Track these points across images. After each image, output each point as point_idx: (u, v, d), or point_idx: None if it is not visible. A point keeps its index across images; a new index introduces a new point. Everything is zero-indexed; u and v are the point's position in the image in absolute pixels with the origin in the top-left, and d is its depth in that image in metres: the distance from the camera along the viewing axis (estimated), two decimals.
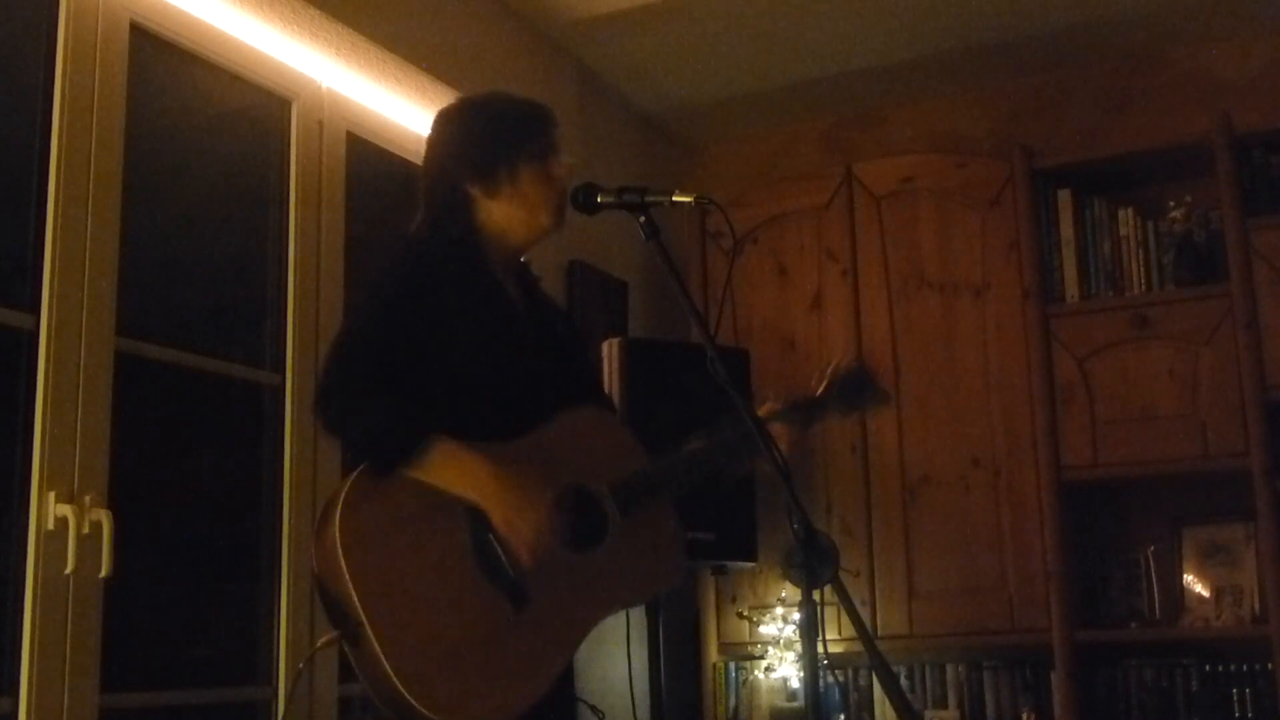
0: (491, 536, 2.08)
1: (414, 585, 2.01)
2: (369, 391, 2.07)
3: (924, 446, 4.21)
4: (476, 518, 2.08)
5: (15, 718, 2.43)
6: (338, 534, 1.98)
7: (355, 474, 2.04)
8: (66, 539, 2.52)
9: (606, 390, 3.72)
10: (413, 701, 1.93)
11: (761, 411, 2.38)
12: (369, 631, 1.94)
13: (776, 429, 2.37)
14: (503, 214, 2.31)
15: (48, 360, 2.56)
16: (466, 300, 2.22)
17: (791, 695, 4.13)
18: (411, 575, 2.02)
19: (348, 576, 1.96)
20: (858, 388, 2.46)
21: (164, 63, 3.04)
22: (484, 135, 2.32)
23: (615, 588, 2.22)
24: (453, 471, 2.07)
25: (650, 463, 2.30)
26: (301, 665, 2.02)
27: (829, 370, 2.44)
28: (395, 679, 1.93)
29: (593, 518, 2.21)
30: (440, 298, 2.19)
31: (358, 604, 1.95)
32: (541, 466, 2.15)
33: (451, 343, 2.18)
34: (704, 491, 2.42)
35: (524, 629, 2.07)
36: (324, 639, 2.06)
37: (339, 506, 2.00)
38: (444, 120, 2.39)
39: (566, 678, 2.30)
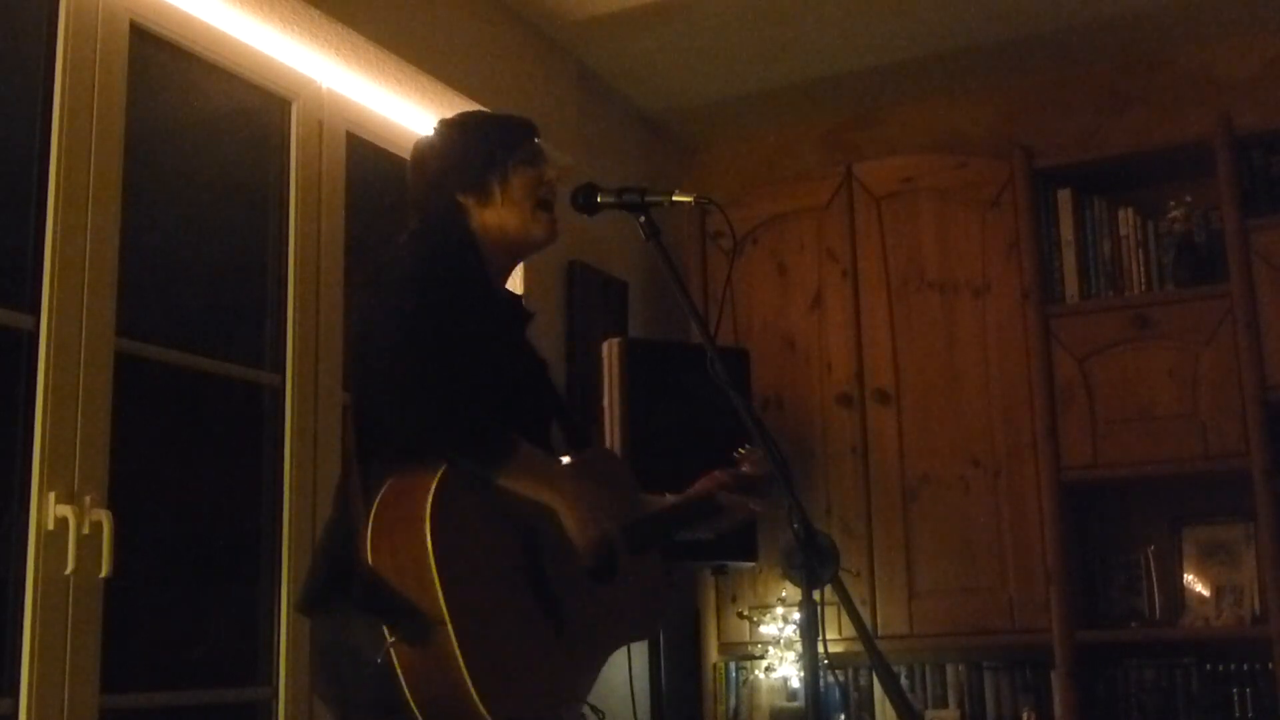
0: (542, 556, 2.07)
1: (484, 591, 1.97)
2: (465, 398, 2.00)
3: (924, 447, 4.21)
4: (530, 536, 2.07)
5: (15, 718, 2.44)
6: (428, 526, 1.90)
7: (444, 470, 1.96)
8: (67, 539, 2.52)
9: (605, 392, 3.75)
10: (480, 706, 1.88)
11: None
12: (450, 631, 1.88)
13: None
14: (497, 222, 2.30)
15: (48, 361, 2.57)
16: (474, 301, 2.22)
17: (792, 695, 4.13)
18: (483, 580, 1.98)
19: (435, 570, 1.89)
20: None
21: (164, 63, 3.04)
22: (473, 145, 2.32)
23: (622, 624, 2.26)
24: (539, 473, 2.08)
25: (659, 511, 2.35)
26: (380, 660, 1.93)
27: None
28: (469, 682, 1.87)
29: (605, 553, 2.23)
30: (461, 291, 2.18)
31: (441, 601, 1.88)
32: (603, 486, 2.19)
33: (475, 342, 2.15)
34: (704, 540, 2.48)
35: (563, 650, 2.08)
36: (389, 642, 1.92)
37: (430, 499, 1.92)
38: (434, 137, 2.39)
39: None
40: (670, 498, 2.43)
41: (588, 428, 2.65)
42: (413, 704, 1.91)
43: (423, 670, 1.90)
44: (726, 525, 2.50)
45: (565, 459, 2.31)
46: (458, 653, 1.87)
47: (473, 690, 1.87)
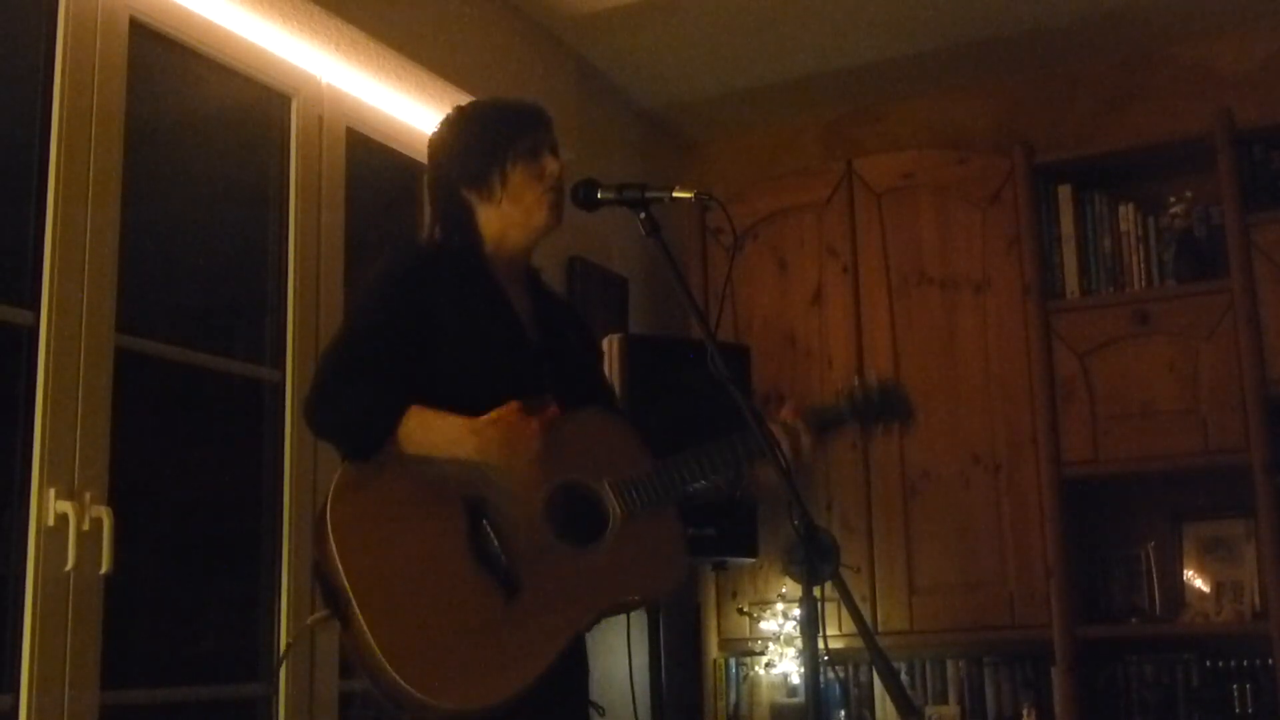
0: (486, 524, 2.09)
1: (404, 568, 2.04)
2: (346, 383, 2.12)
3: (924, 443, 4.21)
4: (473, 505, 2.10)
5: (16, 714, 2.44)
6: (328, 515, 2.02)
7: (344, 465, 2.09)
8: (67, 536, 2.52)
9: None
10: (397, 677, 1.96)
11: (783, 414, 2.36)
12: (356, 609, 1.98)
13: (799, 432, 2.34)
14: (500, 217, 2.32)
15: (48, 357, 2.56)
16: (461, 302, 2.22)
17: (792, 691, 4.13)
18: (402, 558, 2.05)
19: (336, 556, 2.00)
20: (885, 403, 2.41)
21: (164, 59, 3.03)
22: (474, 141, 2.33)
23: (612, 586, 2.20)
24: (433, 434, 2.09)
25: (657, 466, 2.28)
26: (291, 641, 2.07)
27: (856, 384, 2.41)
28: (381, 655, 1.96)
29: (593, 515, 2.21)
30: (432, 298, 2.20)
31: (345, 582, 1.99)
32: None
33: (446, 343, 2.19)
34: (713, 507, 2.41)
35: (515, 619, 2.08)
36: (315, 615, 2.12)
37: (330, 490, 2.05)
38: (442, 129, 2.41)
39: (580, 679, 2.30)
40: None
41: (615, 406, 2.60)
42: (366, 678, 2.03)
43: (354, 648, 2.02)
44: (741, 477, 2.37)
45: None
46: (366, 629, 1.97)
47: (385, 662, 1.96)
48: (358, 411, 2.11)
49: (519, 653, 2.07)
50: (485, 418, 2.09)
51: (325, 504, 2.04)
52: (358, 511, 2.05)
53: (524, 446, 2.11)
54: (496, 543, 2.09)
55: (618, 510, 2.21)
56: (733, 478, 2.33)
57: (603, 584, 2.19)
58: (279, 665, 2.16)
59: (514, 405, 2.12)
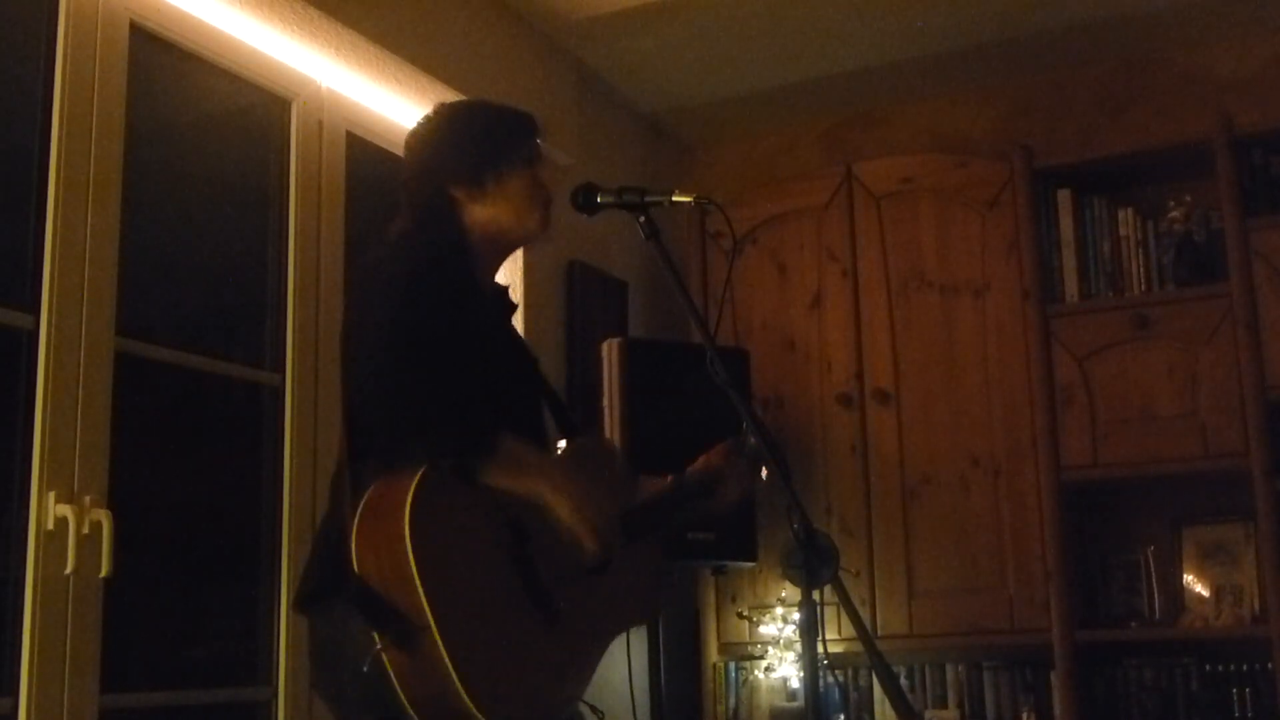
0: (531, 549, 2.06)
1: (471, 591, 1.96)
2: (437, 393, 2.00)
3: (924, 447, 4.21)
4: (518, 530, 2.06)
5: (15, 717, 2.44)
6: (407, 531, 1.89)
7: (422, 472, 1.95)
8: (66, 539, 2.52)
9: (605, 392, 3.74)
10: (470, 705, 1.87)
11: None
12: (436, 635, 1.87)
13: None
14: (487, 218, 2.30)
15: (48, 360, 2.57)
16: (460, 302, 2.22)
17: (791, 695, 4.13)
18: (469, 580, 1.97)
19: (416, 576, 1.88)
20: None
21: (164, 62, 3.04)
22: (472, 139, 2.31)
23: (620, 612, 2.24)
24: (524, 467, 2.05)
25: (646, 495, 2.31)
26: (367, 667, 1.93)
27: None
28: (459, 685, 1.86)
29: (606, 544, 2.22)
30: (448, 294, 2.17)
31: (425, 605, 1.87)
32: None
33: (462, 342, 2.16)
34: (702, 520, 2.45)
35: (555, 643, 2.07)
36: (379, 645, 1.92)
37: (408, 503, 1.91)
38: (427, 125, 2.37)
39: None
40: (670, 479, 2.39)
41: (578, 416, 2.64)
42: (407, 704, 1.90)
43: (413, 673, 1.90)
44: (727, 499, 2.42)
45: (562, 444, 2.30)
46: (445, 657, 1.86)
47: (463, 693, 1.86)
48: (462, 425, 2.00)
49: (561, 675, 2.08)
50: (575, 478, 2.09)
51: (399, 515, 1.91)
52: (433, 527, 1.92)
53: (591, 515, 2.09)
54: (541, 568, 2.06)
55: (619, 541, 2.21)
56: (704, 502, 2.39)
57: (613, 609, 2.22)
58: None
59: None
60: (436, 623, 1.86)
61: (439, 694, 1.88)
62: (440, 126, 2.36)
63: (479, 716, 1.88)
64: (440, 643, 1.86)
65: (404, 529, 1.89)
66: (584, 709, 2.28)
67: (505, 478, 2.03)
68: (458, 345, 2.11)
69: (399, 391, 1.99)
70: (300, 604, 2.19)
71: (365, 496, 1.97)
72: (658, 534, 2.35)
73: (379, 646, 1.89)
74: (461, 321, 2.16)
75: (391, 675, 1.89)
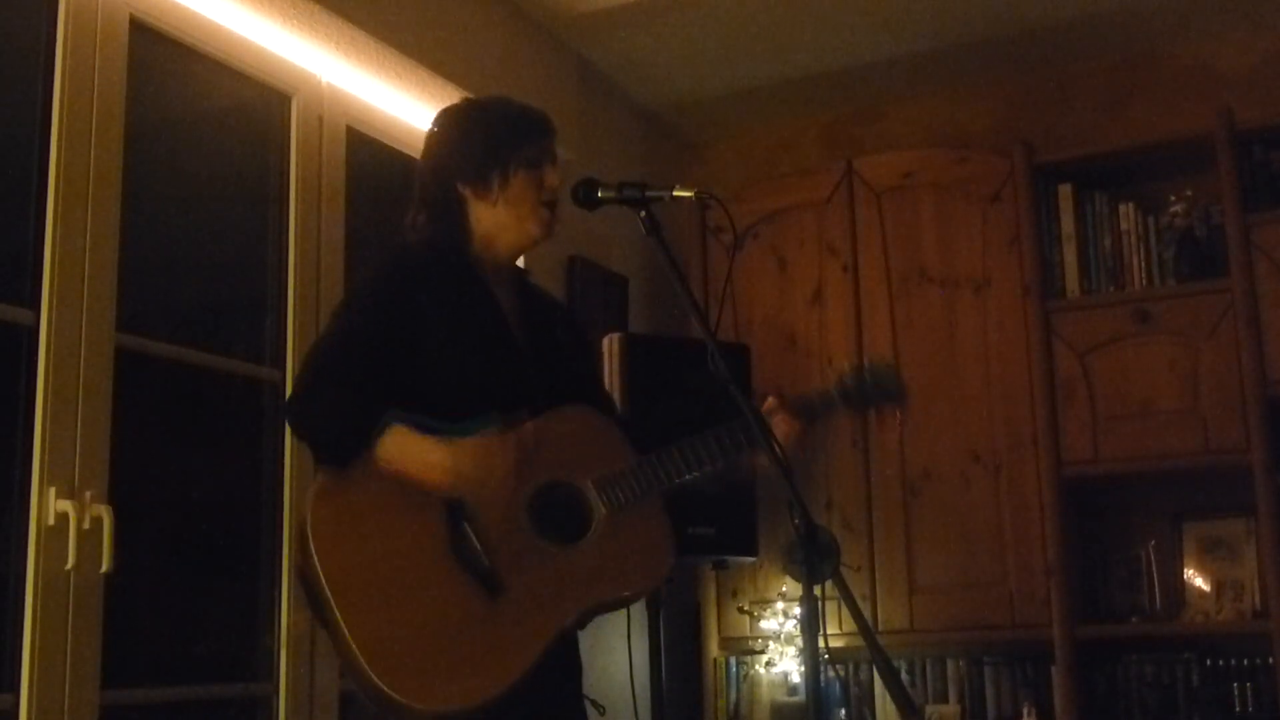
0: (466, 525, 2.09)
1: (384, 570, 2.05)
2: (327, 387, 2.13)
3: (925, 442, 4.21)
4: (453, 508, 2.10)
5: (16, 713, 2.44)
6: (309, 519, 2.03)
7: (323, 474, 2.10)
8: (67, 535, 2.52)
9: (608, 388, 3.73)
10: (378, 681, 1.96)
11: (765, 406, 2.36)
12: (337, 614, 1.99)
13: (780, 422, 2.34)
14: (492, 217, 2.31)
15: (48, 356, 2.57)
16: (448, 303, 2.22)
17: (792, 690, 4.13)
18: (382, 561, 2.05)
19: (316, 560, 2.01)
20: (875, 384, 2.41)
21: (164, 58, 3.03)
22: (480, 137, 2.32)
23: (598, 583, 2.19)
24: (409, 456, 2.08)
25: (640, 461, 2.27)
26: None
27: (847, 368, 2.42)
28: (362, 659, 1.97)
29: (576, 513, 2.20)
30: (420, 300, 2.20)
31: (325, 586, 2.00)
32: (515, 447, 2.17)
33: (433, 345, 2.19)
34: (704, 495, 2.40)
35: (497, 620, 2.07)
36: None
37: (310, 495, 2.06)
38: (443, 119, 2.40)
39: (573, 675, 2.29)
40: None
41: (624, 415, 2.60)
42: (352, 682, 2.04)
43: (338, 652, 2.03)
44: (732, 467, 2.35)
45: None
46: (347, 634, 1.98)
47: (366, 666, 1.97)
48: (337, 418, 2.11)
49: (500, 653, 2.07)
50: (461, 446, 2.09)
51: (306, 509, 2.06)
52: (337, 514, 2.06)
53: (499, 468, 2.11)
54: (477, 544, 2.09)
55: (601, 507, 2.21)
56: (723, 469, 2.30)
57: (588, 581, 2.18)
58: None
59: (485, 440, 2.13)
60: (336, 603, 1.99)
61: (360, 674, 1.99)
62: (454, 122, 2.37)
63: (391, 695, 1.97)
64: (342, 624, 1.98)
65: (308, 517, 2.05)
66: (586, 704, 2.28)
67: (392, 468, 2.09)
68: (383, 349, 2.17)
69: (297, 399, 2.19)
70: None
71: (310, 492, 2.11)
72: (659, 494, 2.27)
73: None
74: (436, 318, 2.19)
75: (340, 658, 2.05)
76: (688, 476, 2.27)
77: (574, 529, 2.19)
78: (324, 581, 2.00)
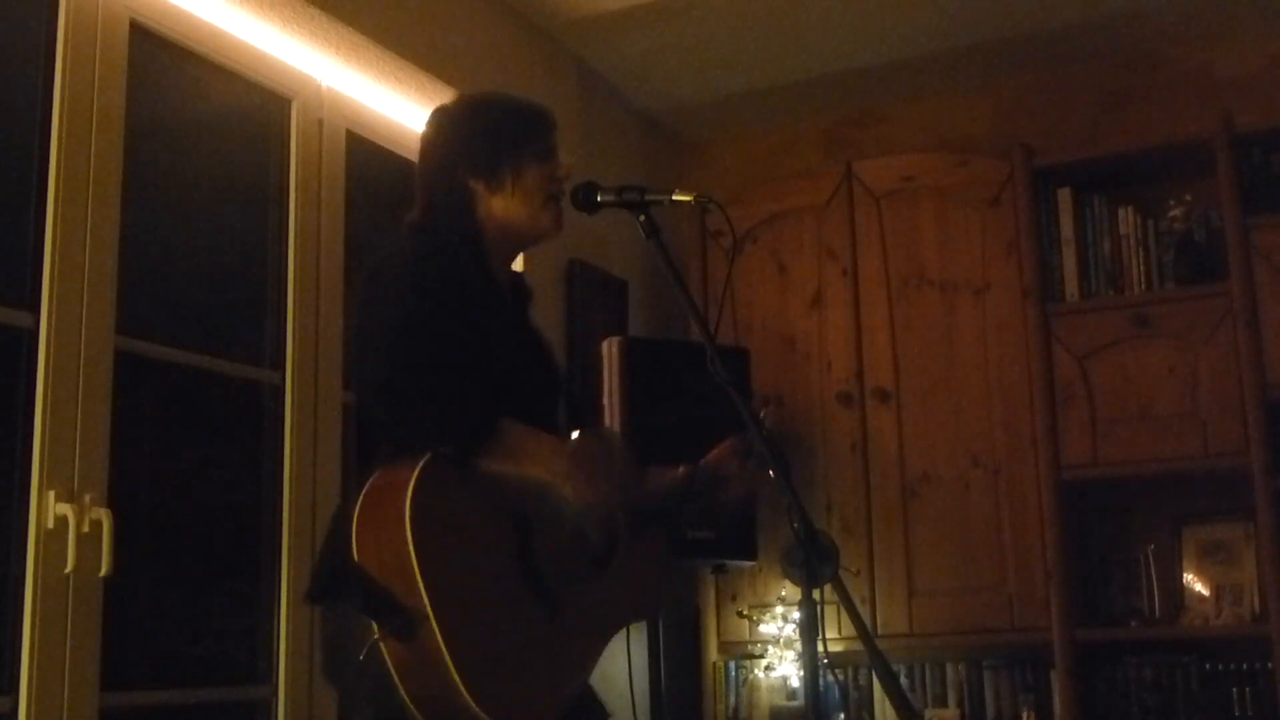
0: (534, 541, 2.04)
1: (472, 581, 1.94)
2: (442, 383, 1.97)
3: (924, 446, 4.21)
4: (521, 521, 2.04)
5: (15, 716, 2.43)
6: (408, 517, 1.86)
7: (425, 460, 1.91)
8: (66, 538, 2.52)
9: (605, 391, 3.73)
10: (469, 700, 1.85)
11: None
12: (434, 625, 1.84)
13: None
14: (504, 211, 2.28)
15: (47, 359, 2.57)
16: (475, 290, 2.21)
17: (791, 694, 4.13)
18: (469, 571, 1.94)
19: (415, 563, 1.85)
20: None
21: (164, 61, 3.04)
22: (490, 132, 2.29)
23: (621, 608, 2.22)
24: (527, 453, 2.03)
25: (655, 485, 2.29)
26: (363, 656, 1.90)
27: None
28: (456, 676, 1.84)
29: (603, 538, 2.20)
30: (457, 284, 2.15)
31: (424, 595, 1.84)
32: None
33: (471, 331, 2.13)
34: (704, 516, 2.42)
35: (557, 637, 2.05)
36: (377, 635, 1.90)
37: (410, 489, 1.88)
38: (445, 116, 2.36)
39: (590, 698, 2.29)
40: (682, 469, 2.37)
41: (589, 408, 2.62)
42: (406, 699, 1.89)
43: (413, 666, 1.88)
44: (732, 497, 2.40)
45: (575, 435, 2.28)
46: (443, 648, 1.84)
47: (460, 684, 1.84)
48: (464, 408, 1.97)
49: (563, 670, 2.06)
50: (581, 449, 2.06)
51: (399, 503, 1.88)
52: (434, 516, 1.89)
53: (597, 504, 2.08)
54: (543, 562, 2.04)
55: (627, 533, 2.20)
56: (710, 497, 2.36)
57: (615, 606, 2.20)
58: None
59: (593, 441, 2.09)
60: (435, 613, 1.84)
61: (438, 687, 1.86)
62: (460, 118, 2.34)
63: (478, 712, 1.86)
64: (439, 634, 1.84)
65: (404, 515, 1.86)
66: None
67: (508, 463, 2.01)
68: (464, 333, 2.07)
69: (403, 379, 1.97)
70: (311, 596, 2.18)
71: (368, 484, 1.96)
72: (664, 522, 2.32)
73: (376, 637, 1.88)
74: (469, 311, 2.13)
75: (390, 668, 1.88)
76: (695, 503, 2.32)
77: (598, 553, 2.19)
78: (421, 585, 1.85)
